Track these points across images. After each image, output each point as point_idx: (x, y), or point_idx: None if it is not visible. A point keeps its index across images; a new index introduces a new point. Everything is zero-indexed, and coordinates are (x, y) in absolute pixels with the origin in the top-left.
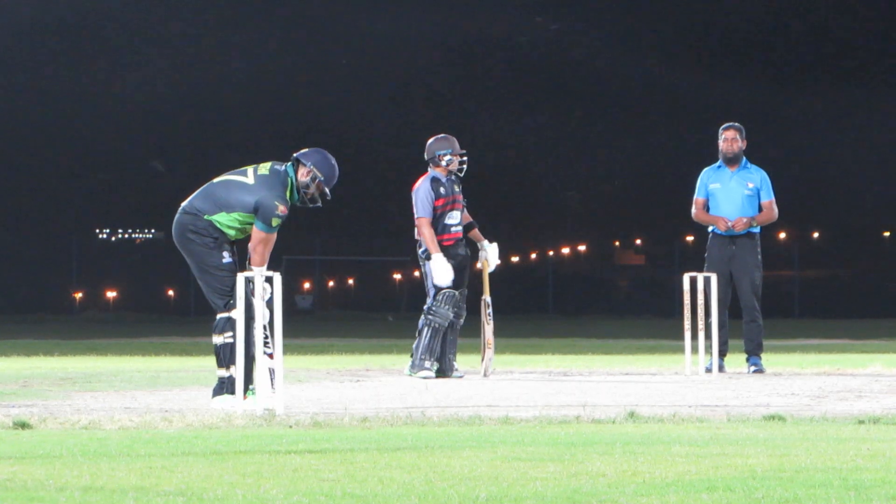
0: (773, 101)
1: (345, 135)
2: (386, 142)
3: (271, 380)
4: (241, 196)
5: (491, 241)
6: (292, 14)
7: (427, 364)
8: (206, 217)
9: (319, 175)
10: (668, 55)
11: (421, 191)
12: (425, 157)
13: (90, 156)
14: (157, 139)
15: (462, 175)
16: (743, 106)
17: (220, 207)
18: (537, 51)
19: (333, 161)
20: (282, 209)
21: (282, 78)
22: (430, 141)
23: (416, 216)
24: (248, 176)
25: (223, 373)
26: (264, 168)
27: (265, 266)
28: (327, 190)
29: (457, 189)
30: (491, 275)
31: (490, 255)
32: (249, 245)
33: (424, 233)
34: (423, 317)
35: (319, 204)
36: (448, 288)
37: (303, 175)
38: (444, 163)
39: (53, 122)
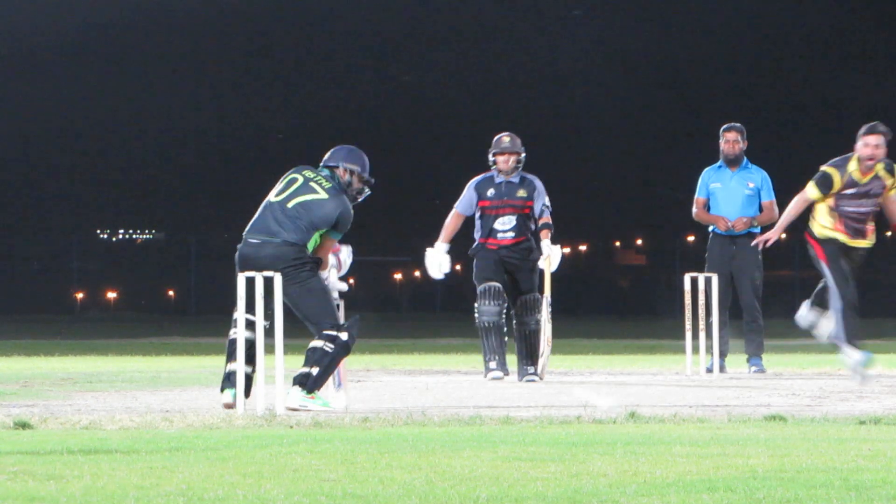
0: (775, 99)
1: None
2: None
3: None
4: (324, 212)
5: (554, 244)
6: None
7: (492, 365)
8: (302, 244)
9: (355, 167)
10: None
11: (468, 186)
12: None
13: (91, 156)
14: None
15: (512, 174)
16: (740, 105)
17: (310, 230)
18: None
19: (355, 149)
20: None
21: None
22: None
23: None
24: (319, 191)
25: (303, 370)
26: (322, 179)
27: None
28: (366, 176)
29: (521, 194)
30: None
31: (553, 256)
32: (321, 253)
33: (446, 221)
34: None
35: (369, 192)
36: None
37: (343, 175)
38: (490, 163)
39: (54, 122)
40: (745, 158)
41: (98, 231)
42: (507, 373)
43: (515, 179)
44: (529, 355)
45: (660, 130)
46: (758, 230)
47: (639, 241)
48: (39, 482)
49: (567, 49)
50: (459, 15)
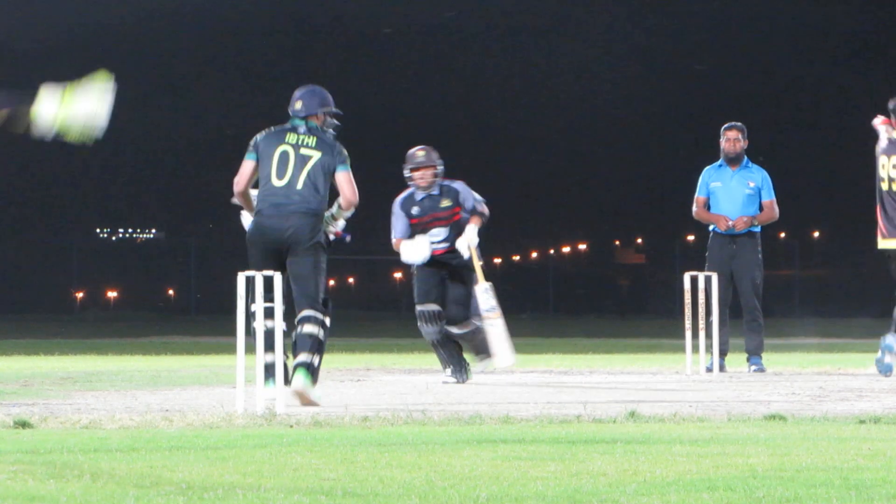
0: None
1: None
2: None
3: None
4: (326, 167)
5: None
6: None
7: (447, 372)
8: (321, 211)
9: (323, 109)
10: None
11: (395, 211)
12: None
13: (92, 155)
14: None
15: (430, 188)
16: (742, 106)
17: (325, 191)
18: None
19: (312, 91)
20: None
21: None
22: None
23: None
24: (312, 154)
25: (306, 358)
26: (305, 138)
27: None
28: (326, 107)
29: (445, 204)
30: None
31: (466, 234)
32: (345, 191)
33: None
34: None
35: (337, 122)
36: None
37: (317, 121)
38: (406, 179)
39: None
40: (746, 157)
41: (98, 231)
42: (462, 380)
43: (436, 192)
44: (459, 358)
45: (661, 130)
46: (758, 229)
47: (639, 241)
48: (39, 481)
49: (569, 49)
50: (462, 15)
